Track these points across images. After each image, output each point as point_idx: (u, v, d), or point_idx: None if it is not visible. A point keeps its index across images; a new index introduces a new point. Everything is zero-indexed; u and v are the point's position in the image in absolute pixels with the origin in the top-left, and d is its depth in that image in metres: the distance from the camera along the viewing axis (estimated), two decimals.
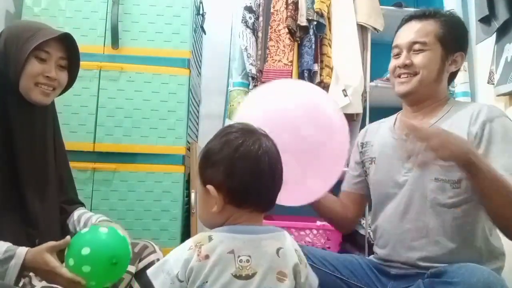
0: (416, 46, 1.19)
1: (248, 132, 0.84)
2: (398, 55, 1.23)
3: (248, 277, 0.76)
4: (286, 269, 0.80)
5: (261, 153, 0.81)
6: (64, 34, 1.10)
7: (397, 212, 1.18)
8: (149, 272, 0.80)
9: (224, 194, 0.81)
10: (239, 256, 0.77)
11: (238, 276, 0.76)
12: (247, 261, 0.77)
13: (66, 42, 1.12)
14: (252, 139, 0.82)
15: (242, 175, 0.80)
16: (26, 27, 1.09)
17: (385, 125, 1.33)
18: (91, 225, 1.15)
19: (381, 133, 1.32)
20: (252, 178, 0.80)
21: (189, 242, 0.80)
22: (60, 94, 1.17)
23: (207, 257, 0.77)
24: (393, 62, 1.24)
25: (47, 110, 1.16)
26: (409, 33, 1.21)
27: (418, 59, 1.18)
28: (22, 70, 1.04)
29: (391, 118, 1.35)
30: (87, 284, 0.95)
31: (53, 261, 0.94)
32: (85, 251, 0.94)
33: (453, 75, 1.26)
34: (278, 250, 0.80)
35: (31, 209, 1.09)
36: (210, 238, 0.79)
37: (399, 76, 1.22)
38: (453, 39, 1.20)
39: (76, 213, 1.23)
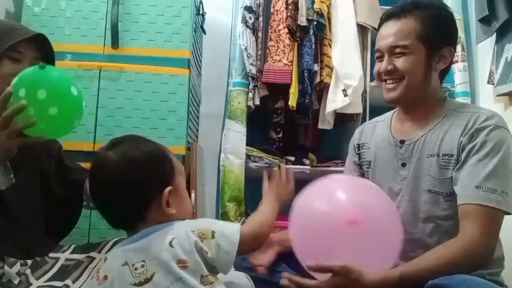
0: (397, 50, 1.09)
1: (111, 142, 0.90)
2: (380, 58, 1.14)
3: (148, 280, 0.77)
4: (185, 255, 0.79)
5: (92, 167, 0.89)
6: (38, 35, 1.08)
7: None
8: None
9: None
10: (133, 265, 0.79)
11: (138, 284, 0.77)
12: (142, 266, 0.78)
13: (41, 43, 1.10)
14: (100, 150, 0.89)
15: None
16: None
17: (381, 125, 1.26)
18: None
19: (377, 134, 1.25)
20: None
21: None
22: None
23: (105, 278, 0.80)
24: (377, 66, 1.15)
25: None
26: (388, 35, 1.11)
27: (400, 63, 1.09)
28: None
29: (387, 118, 1.27)
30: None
31: None
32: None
33: (445, 72, 1.15)
34: (171, 241, 0.80)
35: (8, 204, 1.07)
36: (105, 259, 0.84)
37: (385, 81, 1.14)
38: (438, 34, 1.08)
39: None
